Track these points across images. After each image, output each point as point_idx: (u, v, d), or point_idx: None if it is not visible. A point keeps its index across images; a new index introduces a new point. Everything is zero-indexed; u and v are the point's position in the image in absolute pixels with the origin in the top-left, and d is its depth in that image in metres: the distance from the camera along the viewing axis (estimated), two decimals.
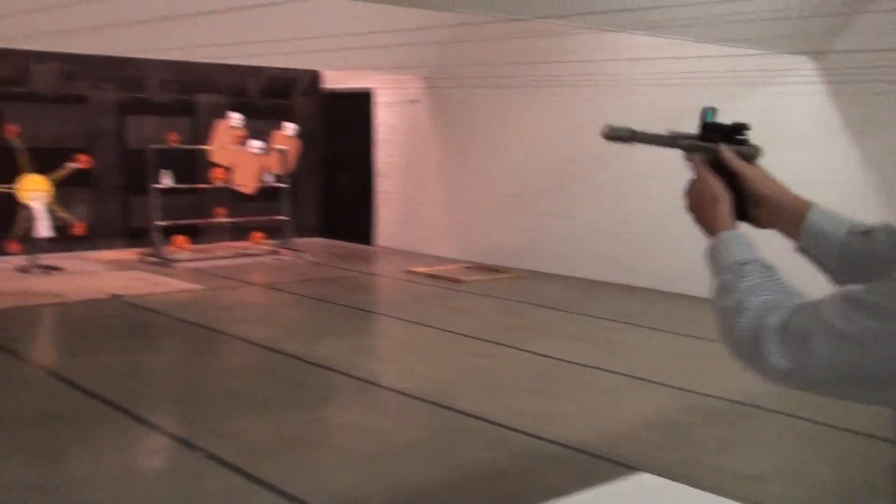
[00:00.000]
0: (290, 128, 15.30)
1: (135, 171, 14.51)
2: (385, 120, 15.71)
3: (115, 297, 10.87)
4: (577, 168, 12.30)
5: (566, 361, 7.98)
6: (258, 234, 15.03)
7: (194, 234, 14.79)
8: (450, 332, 9.08)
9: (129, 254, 14.32)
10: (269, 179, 14.99)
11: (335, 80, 16.66)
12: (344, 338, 9.05)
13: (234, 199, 15.15)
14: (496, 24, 10.78)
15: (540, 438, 5.94)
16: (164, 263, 13.35)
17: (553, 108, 12.50)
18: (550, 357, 8.11)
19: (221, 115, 14.95)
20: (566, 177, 12.48)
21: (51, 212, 12.62)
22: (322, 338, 8.91)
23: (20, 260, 12.80)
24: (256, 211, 15.08)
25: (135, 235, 14.72)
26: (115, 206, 14.99)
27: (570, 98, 12.14)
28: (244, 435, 5.95)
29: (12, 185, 12.51)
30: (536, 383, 7.42)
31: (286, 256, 14.47)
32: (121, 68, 14.73)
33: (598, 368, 7.76)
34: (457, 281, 12.04)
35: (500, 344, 8.57)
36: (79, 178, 13.26)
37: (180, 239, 14.08)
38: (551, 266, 12.61)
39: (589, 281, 12.00)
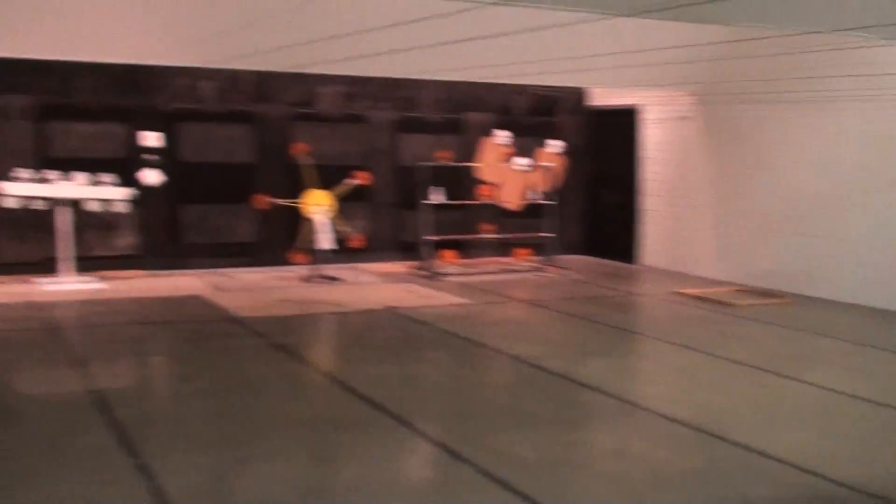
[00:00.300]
0: (555, 145, 15.34)
1: (407, 187, 15.12)
2: (652, 137, 15.38)
3: (389, 308, 11.32)
4: (856, 189, 11.44)
5: (849, 395, 7.40)
6: (523, 251, 15.17)
7: (462, 249, 15.15)
8: (722, 358, 8.68)
9: (401, 267, 14.91)
10: (535, 196, 15.09)
11: (601, 97, 16.54)
12: (610, 358, 8.90)
13: (500, 215, 15.39)
14: (773, 37, 10.22)
15: (823, 478, 5.52)
16: (434, 277, 13.78)
17: (838, 125, 11.70)
18: (832, 390, 7.55)
19: (488, 133, 15.24)
20: (844, 198, 11.63)
21: (332, 225, 13.39)
22: (587, 357, 8.81)
23: (304, 270, 13.68)
24: (521, 227, 15.23)
25: (406, 249, 15.31)
26: (389, 221, 15.67)
27: (858, 114, 11.31)
28: (510, 451, 5.95)
29: (299, 200, 13.40)
30: (817, 417, 6.92)
31: (550, 273, 14.50)
32: (396, 89, 15.42)
33: (887, 406, 7.12)
34: (728, 304, 11.53)
35: (777, 374, 8.08)
36: (358, 193, 14.01)
37: (449, 253, 14.47)
38: (826, 291, 11.79)
39: (868, 308, 11.12)
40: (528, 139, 15.45)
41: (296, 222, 13.71)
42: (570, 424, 6.75)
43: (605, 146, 16.60)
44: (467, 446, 6.05)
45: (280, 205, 13.56)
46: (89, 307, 11.17)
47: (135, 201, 13.12)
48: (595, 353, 9.09)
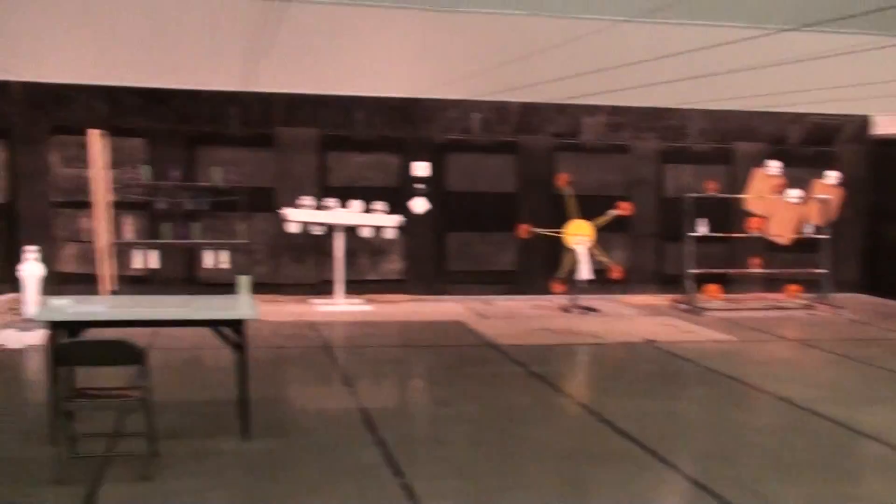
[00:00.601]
0: (832, 176, 14.49)
1: (670, 218, 14.82)
2: None
3: (648, 341, 11.13)
4: None
5: None
6: (793, 287, 14.39)
7: (726, 283, 14.63)
8: None
9: (660, 299, 14.62)
10: (808, 230, 14.31)
11: (888, 125, 15.42)
12: (892, 406, 8.23)
13: (769, 249, 14.73)
14: None
15: None
16: (695, 311, 13.38)
17: None
18: None
19: (760, 164, 14.65)
20: None
21: (592, 256, 13.36)
22: (866, 404, 8.19)
23: (563, 300, 13.73)
24: (792, 262, 14.48)
25: (667, 282, 15.00)
26: (650, 253, 15.42)
27: None
28: (776, 499, 5.65)
29: (560, 230, 13.49)
30: None
31: (822, 312, 13.66)
32: (662, 118, 15.19)
33: None
34: None
35: None
36: (618, 224, 13.91)
37: (712, 288, 14.00)
38: None
39: None
40: (801, 170, 14.72)
41: (556, 252, 13.82)
42: (844, 475, 6.31)
43: (888, 178, 15.45)
44: (729, 489, 5.81)
45: (541, 234, 13.71)
46: (358, 328, 11.80)
47: (403, 228, 13.76)
48: (875, 399, 8.44)
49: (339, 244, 13.38)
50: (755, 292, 15.21)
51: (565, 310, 13.38)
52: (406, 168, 14.36)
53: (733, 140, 15.59)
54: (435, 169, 14.44)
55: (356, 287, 14.03)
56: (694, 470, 6.26)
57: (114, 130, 13.17)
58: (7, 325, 10.83)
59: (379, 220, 13.44)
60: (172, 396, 7.64)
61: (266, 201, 13.98)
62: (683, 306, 13.76)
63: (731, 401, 8.57)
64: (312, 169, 14.30)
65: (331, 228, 13.41)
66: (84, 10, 9.42)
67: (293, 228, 13.28)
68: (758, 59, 8.99)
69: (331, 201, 13.37)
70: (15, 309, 11.85)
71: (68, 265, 13.62)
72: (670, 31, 8.80)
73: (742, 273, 14.73)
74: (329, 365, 9.68)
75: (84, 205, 13.16)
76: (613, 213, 13.51)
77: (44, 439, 6.29)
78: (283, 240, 13.91)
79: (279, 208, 13.52)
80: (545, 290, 14.07)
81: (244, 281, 7.16)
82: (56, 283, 12.78)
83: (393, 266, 14.70)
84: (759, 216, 14.30)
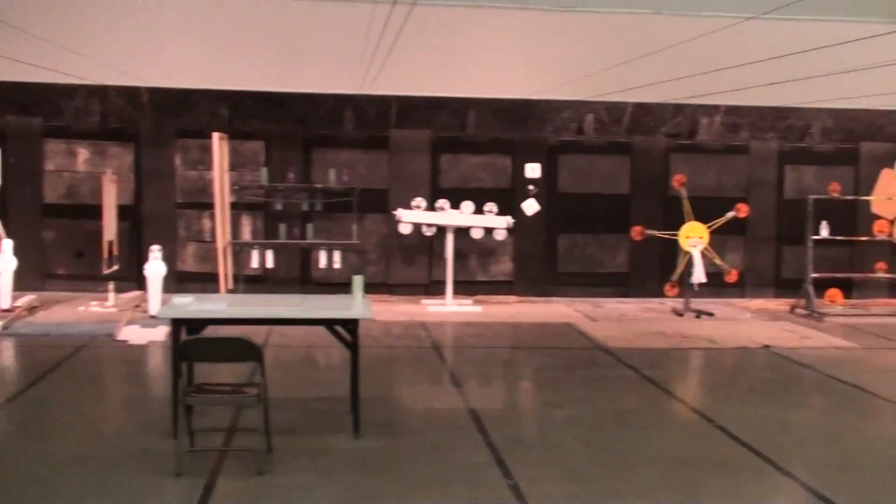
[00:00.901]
0: None
1: (790, 220, 14.41)
2: None
3: (765, 347, 10.83)
4: None
5: None
6: None
7: (848, 288, 14.11)
8: None
9: (777, 304, 14.22)
10: None
11: None
12: None
13: (895, 253, 14.16)
14: None
15: None
16: (815, 317, 12.94)
17: None
18: None
19: (889, 164, 14.07)
20: None
21: (707, 258, 13.07)
22: None
23: (676, 303, 13.49)
24: None
25: (785, 286, 14.58)
26: (768, 256, 15.00)
27: None
28: None
29: (674, 232, 13.25)
30: None
31: None
32: (783, 118, 14.76)
33: None
34: None
35: None
36: (734, 226, 13.58)
37: (833, 292, 13.49)
38: None
39: None
40: None
41: (670, 254, 13.59)
42: None
43: None
44: (850, 501, 5.60)
45: (655, 236, 13.49)
46: (468, 329, 11.84)
47: (513, 230, 13.75)
48: None
49: (449, 245, 13.46)
50: (880, 298, 14.64)
51: (678, 313, 13.13)
52: (518, 169, 14.35)
53: (859, 140, 15.02)
54: (547, 170, 14.38)
55: (466, 288, 14.09)
56: (813, 480, 6.06)
57: (234, 134, 13.59)
58: (132, 322, 11.29)
59: (490, 222, 13.46)
60: (286, 393, 7.82)
61: (379, 202, 14.18)
62: (802, 311, 13.32)
63: (852, 409, 8.27)
64: (425, 170, 14.42)
65: (442, 229, 13.50)
66: (207, 18, 9.76)
67: (405, 229, 13.42)
68: (887, 56, 8.64)
69: (443, 202, 13.46)
70: (139, 306, 12.35)
71: (189, 264, 14.10)
72: (794, 27, 8.55)
73: (866, 277, 14.18)
74: (438, 365, 9.74)
75: (205, 206, 13.61)
76: (730, 215, 13.17)
77: (165, 433, 6.52)
78: (395, 240, 14.06)
79: (392, 209, 13.68)
80: (658, 293, 13.85)
81: (358, 280, 7.26)
82: (178, 282, 13.29)
83: (503, 267, 14.69)
84: (887, 219, 13.72)
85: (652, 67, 10.11)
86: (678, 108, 14.41)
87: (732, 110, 14.57)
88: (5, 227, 12.55)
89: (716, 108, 14.47)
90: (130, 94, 13.77)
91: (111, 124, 13.99)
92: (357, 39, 9.61)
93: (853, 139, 15.02)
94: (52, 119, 13.87)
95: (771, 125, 14.88)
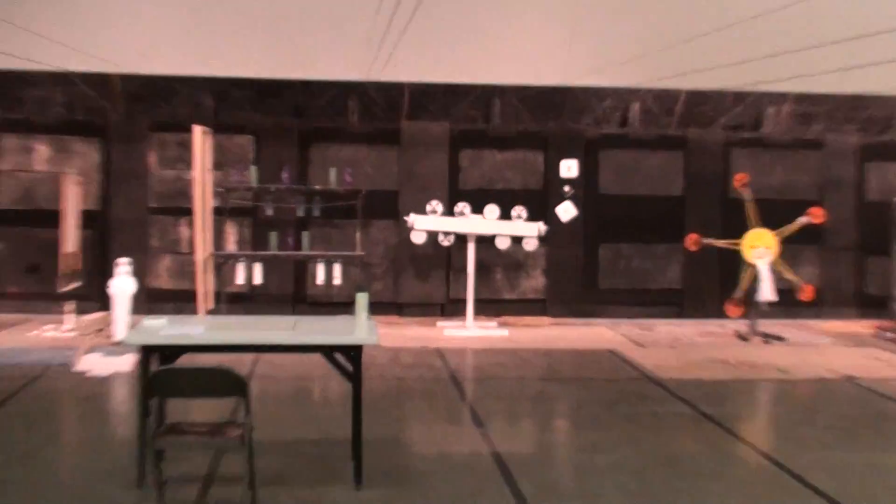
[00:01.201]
0: None
1: (874, 227, 14.35)
2: None
3: (849, 378, 10.71)
4: None
5: None
6: None
7: None
8: None
9: (862, 326, 14.14)
10: None
11: None
12: None
13: None
14: None
15: None
16: None
17: None
18: None
19: None
20: None
21: (776, 272, 12.92)
22: None
23: (739, 325, 13.34)
24: None
25: (870, 304, 14.54)
26: (848, 269, 14.92)
27: None
28: None
29: (737, 241, 13.09)
30: None
31: None
32: (864, 108, 14.67)
33: None
34: None
35: None
36: (808, 234, 13.44)
37: None
38: None
39: None
40: None
41: (732, 267, 13.47)
42: None
43: None
44: None
45: (713, 246, 13.39)
46: (491, 357, 11.75)
47: (546, 238, 13.63)
48: None
49: (471, 257, 13.37)
50: None
51: (743, 337, 13.03)
52: (551, 168, 14.27)
53: None
54: (585, 168, 14.29)
55: (490, 308, 14.02)
56: None
57: (219, 127, 13.55)
58: (93, 349, 11.22)
59: (518, 229, 13.37)
60: (275, 434, 7.74)
61: (388, 207, 14.13)
62: (891, 335, 13.18)
63: None
64: (442, 169, 14.37)
65: (462, 238, 13.41)
66: None
67: (419, 238, 13.34)
68: None
69: (463, 207, 13.38)
70: (102, 329, 12.29)
71: (163, 280, 14.06)
72: (876, 2, 8.42)
73: None
74: (457, 400, 9.64)
75: (183, 211, 13.57)
76: (802, 220, 13.05)
77: (130, 482, 6.42)
78: (407, 251, 14.01)
79: (403, 215, 13.62)
80: (718, 314, 13.77)
81: (362, 299, 7.15)
82: (149, 301, 13.24)
83: (534, 283, 14.61)
84: None
85: (709, 48, 10.01)
86: (739, 97, 14.34)
87: (803, 98, 14.51)
88: None
89: (784, 96, 14.39)
90: (99, 82, 13.77)
91: (76, 116, 14.02)
92: (364, 17, 9.54)
93: None
94: (7, 111, 13.89)
95: (848, 116, 14.83)
